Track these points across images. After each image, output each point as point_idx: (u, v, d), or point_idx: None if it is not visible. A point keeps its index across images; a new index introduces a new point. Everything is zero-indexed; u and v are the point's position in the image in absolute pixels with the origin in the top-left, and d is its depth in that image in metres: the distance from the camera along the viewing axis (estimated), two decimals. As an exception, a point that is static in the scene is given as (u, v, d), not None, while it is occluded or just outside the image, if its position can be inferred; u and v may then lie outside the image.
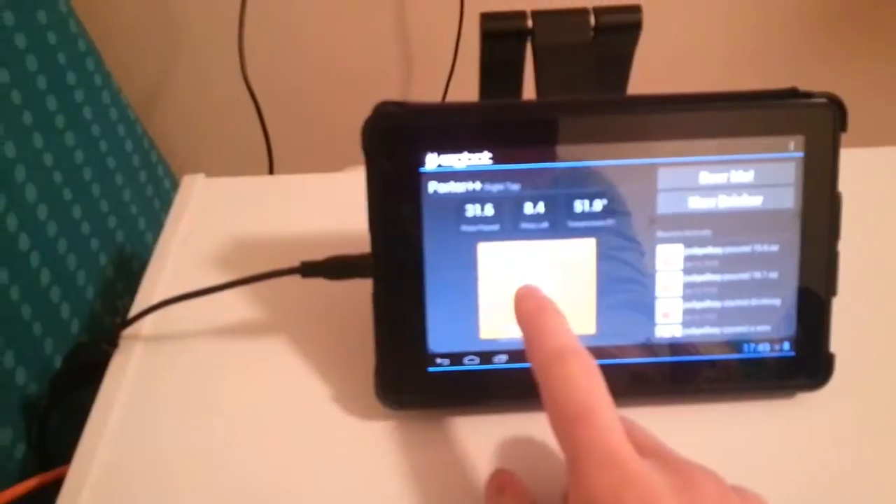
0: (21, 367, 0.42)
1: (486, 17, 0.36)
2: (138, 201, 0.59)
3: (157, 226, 0.59)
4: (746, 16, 0.71)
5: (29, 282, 0.44)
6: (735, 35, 0.72)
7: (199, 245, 0.40)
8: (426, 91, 0.69)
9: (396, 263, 0.29)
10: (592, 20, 0.36)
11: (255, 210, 0.42)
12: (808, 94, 0.29)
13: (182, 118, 0.70)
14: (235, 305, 0.36)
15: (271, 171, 0.63)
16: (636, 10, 0.36)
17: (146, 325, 0.36)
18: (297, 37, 0.67)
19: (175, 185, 0.58)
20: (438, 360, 0.30)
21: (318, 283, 0.31)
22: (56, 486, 0.30)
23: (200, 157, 0.70)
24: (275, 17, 0.65)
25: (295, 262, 0.32)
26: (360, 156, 0.29)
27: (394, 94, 0.34)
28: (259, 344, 0.34)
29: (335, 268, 0.31)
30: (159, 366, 0.34)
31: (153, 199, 0.62)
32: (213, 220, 0.42)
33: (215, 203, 0.43)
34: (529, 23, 0.36)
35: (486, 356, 0.30)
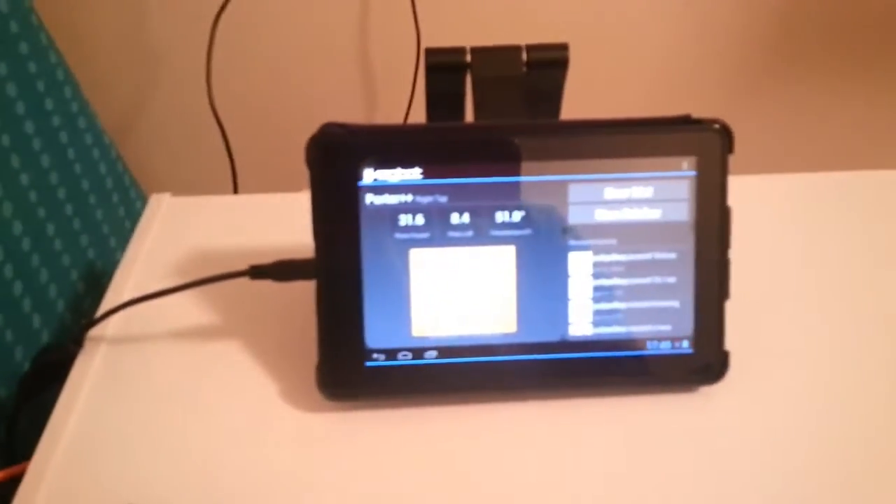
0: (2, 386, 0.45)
1: (430, 53, 0.40)
2: (110, 221, 0.62)
3: (126, 244, 0.62)
4: (673, 47, 0.77)
5: (1, 293, 0.47)
6: (665, 65, 0.78)
7: (163, 257, 0.43)
8: (387, 117, 0.74)
9: (337, 267, 0.33)
10: (524, 56, 0.40)
11: (217, 226, 0.45)
12: (700, 121, 0.34)
13: (154, 143, 0.74)
14: (192, 309, 0.39)
15: (236, 191, 0.67)
16: (564, 48, 0.40)
17: (110, 327, 0.39)
18: (262, 66, 0.71)
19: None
20: (375, 355, 0.34)
21: (268, 286, 0.35)
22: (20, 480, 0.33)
23: (171, 178, 0.74)
24: (241, 48, 0.70)
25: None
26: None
27: (356, 119, 0.37)
28: (213, 344, 0.38)
29: (281, 270, 0.34)
30: (121, 365, 0.37)
31: (124, 219, 0.65)
32: (177, 235, 0.45)
33: (180, 220, 0.46)
34: (468, 57, 0.40)
35: (418, 352, 0.34)
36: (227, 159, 0.64)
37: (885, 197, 0.47)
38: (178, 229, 0.46)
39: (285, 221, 0.45)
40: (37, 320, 0.50)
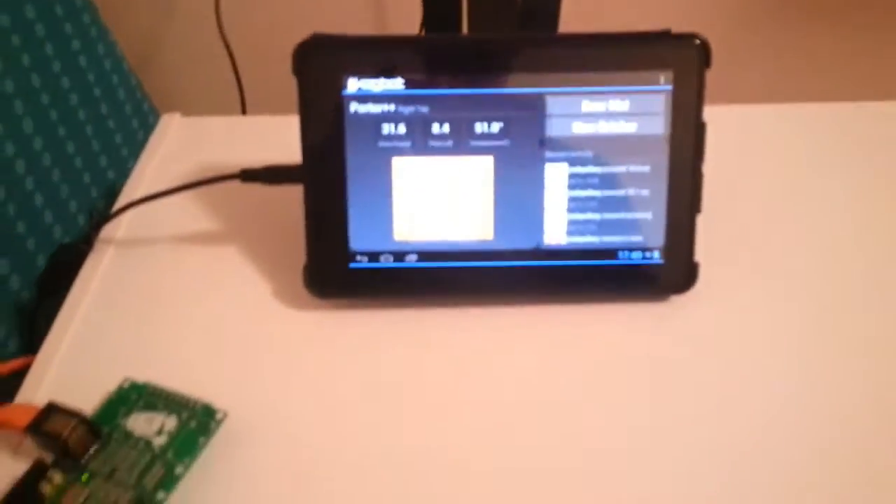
0: (15, 275, 0.48)
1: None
2: (128, 143, 0.64)
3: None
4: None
5: (24, 203, 0.50)
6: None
7: (170, 171, 0.46)
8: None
9: (322, 172, 0.35)
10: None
11: (223, 144, 0.47)
12: (679, 36, 0.34)
13: (168, 69, 0.76)
14: (192, 213, 0.42)
15: (244, 114, 0.69)
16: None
17: (118, 230, 0.41)
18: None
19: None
20: (358, 257, 0.36)
21: (262, 192, 0.37)
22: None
23: (184, 103, 0.77)
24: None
25: (244, 177, 0.37)
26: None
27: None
28: (211, 246, 0.40)
29: (271, 174, 0.36)
30: (127, 263, 0.40)
31: (142, 143, 0.67)
32: (184, 152, 0.47)
33: (188, 138, 0.49)
34: (462, -24, 0.41)
35: (399, 255, 0.36)
36: (235, 84, 0.66)
37: (882, 129, 0.47)
38: (186, 147, 0.48)
39: (288, 141, 0.47)
40: (58, 230, 0.53)
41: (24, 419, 0.29)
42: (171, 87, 0.76)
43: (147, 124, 0.68)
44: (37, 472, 0.28)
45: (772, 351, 0.34)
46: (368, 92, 0.34)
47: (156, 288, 0.38)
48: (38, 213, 0.51)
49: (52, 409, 0.29)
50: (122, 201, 0.44)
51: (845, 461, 0.30)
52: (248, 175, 0.36)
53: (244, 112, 0.67)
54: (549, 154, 0.35)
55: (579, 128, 0.34)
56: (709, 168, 0.35)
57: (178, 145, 0.48)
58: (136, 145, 0.66)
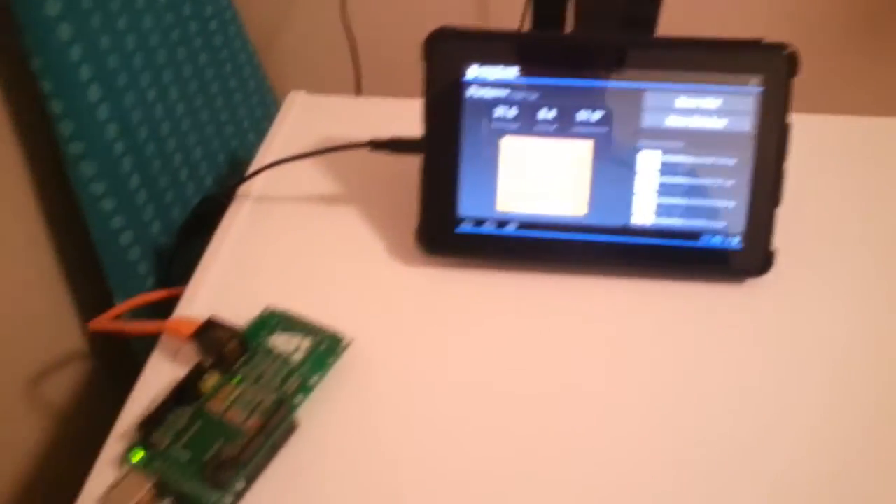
0: (157, 221, 0.55)
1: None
2: (250, 117, 0.71)
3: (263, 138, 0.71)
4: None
5: (166, 160, 0.57)
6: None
7: (297, 140, 0.52)
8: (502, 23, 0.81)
9: (440, 145, 0.40)
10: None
11: (344, 120, 0.53)
12: (771, 45, 0.38)
13: (290, 53, 0.83)
14: (320, 176, 0.48)
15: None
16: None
17: (254, 187, 0.47)
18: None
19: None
20: (464, 223, 0.40)
21: (384, 160, 0.42)
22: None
23: (299, 82, 0.84)
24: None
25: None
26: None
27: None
28: (335, 206, 0.46)
29: (395, 144, 0.41)
30: (262, 215, 0.46)
31: (262, 119, 0.74)
32: (310, 123, 0.53)
33: (313, 112, 0.54)
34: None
35: (501, 223, 0.40)
36: (351, 68, 0.72)
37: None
38: (311, 120, 0.54)
39: (402, 120, 0.52)
40: (190, 188, 0.60)
41: (190, 329, 0.35)
42: (287, 68, 0.83)
43: (265, 101, 0.75)
44: (197, 373, 0.34)
45: (833, 339, 0.38)
46: (485, 79, 0.39)
47: (287, 237, 0.44)
48: (176, 171, 0.58)
49: (212, 323, 0.35)
50: (255, 165, 0.50)
51: (897, 435, 0.33)
52: (376, 144, 0.41)
53: (358, 94, 0.73)
54: (643, 142, 0.39)
55: (673, 121, 0.38)
56: (794, 167, 0.38)
57: (304, 118, 0.54)
58: (255, 119, 0.72)
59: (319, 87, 0.86)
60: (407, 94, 0.53)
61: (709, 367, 0.37)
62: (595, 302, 0.40)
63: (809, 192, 0.45)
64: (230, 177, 0.66)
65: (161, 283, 0.54)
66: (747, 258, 0.39)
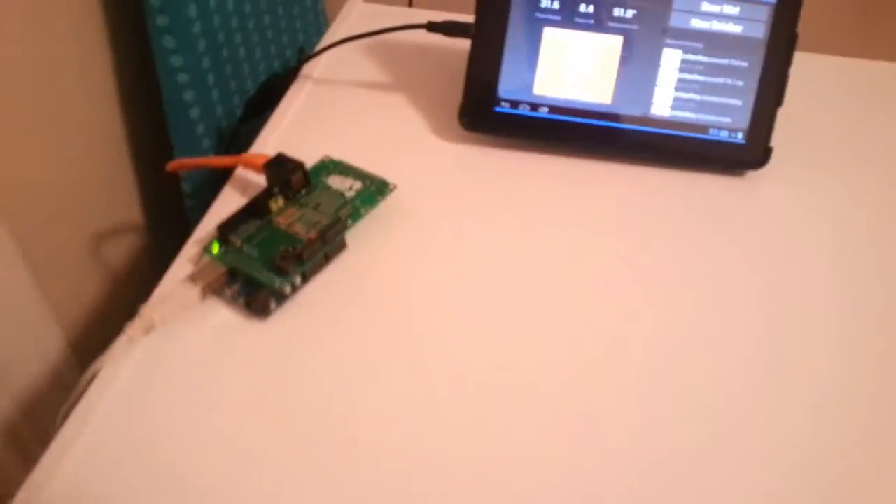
0: (220, 104, 0.61)
1: None
2: (304, 31, 0.77)
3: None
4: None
5: (232, 52, 0.62)
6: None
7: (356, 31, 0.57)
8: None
9: (488, 32, 0.45)
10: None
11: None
12: (789, -38, 0.43)
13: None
14: (378, 58, 0.53)
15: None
16: None
17: (316, 70, 0.53)
18: None
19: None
20: (503, 103, 0.46)
21: (440, 42, 0.48)
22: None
23: None
24: None
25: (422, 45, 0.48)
26: None
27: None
28: (389, 87, 0.51)
29: (449, 27, 0.47)
30: (324, 91, 0.51)
31: (314, 35, 0.79)
32: (366, 27, 0.58)
33: (369, 20, 0.60)
34: None
35: (535, 106, 0.46)
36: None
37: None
38: (368, 26, 0.59)
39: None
40: (249, 83, 0.66)
41: (262, 160, 0.41)
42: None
43: (319, 21, 0.80)
44: (268, 194, 0.40)
45: (822, 224, 0.43)
46: (535, -27, 0.44)
47: (347, 106, 0.50)
48: (240, 63, 0.64)
49: (281, 156, 0.41)
50: (320, 46, 0.55)
51: None
52: (433, 26, 0.47)
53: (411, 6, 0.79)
54: (668, 41, 0.44)
55: (697, 23, 0.44)
56: (800, 83, 0.44)
57: (361, 23, 0.59)
58: (308, 35, 0.78)
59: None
60: (457, 9, 0.59)
61: (711, 246, 0.42)
62: (613, 185, 0.45)
63: (810, 102, 0.50)
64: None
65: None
66: (749, 152, 0.45)
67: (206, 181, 0.61)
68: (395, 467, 0.31)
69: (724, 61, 0.44)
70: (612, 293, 0.39)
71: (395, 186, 0.42)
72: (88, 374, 0.34)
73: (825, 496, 0.31)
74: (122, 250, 0.61)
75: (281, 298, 0.37)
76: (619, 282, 0.39)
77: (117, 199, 0.60)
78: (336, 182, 0.42)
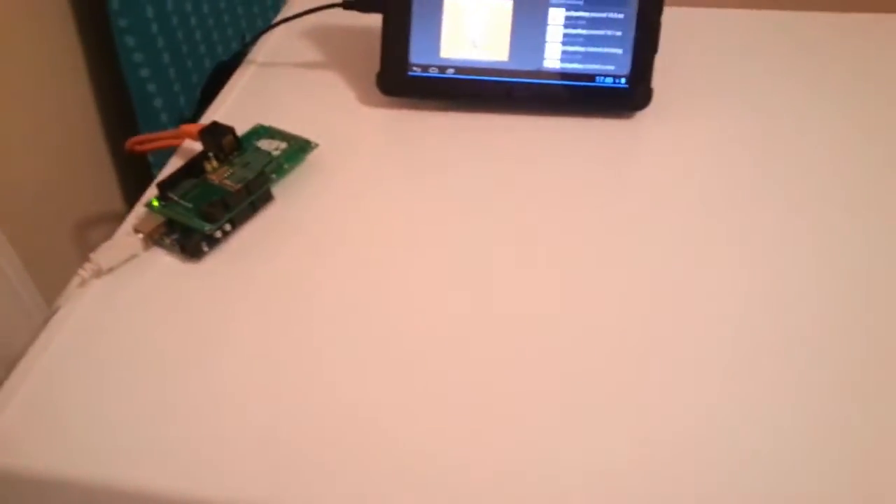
0: (182, 95, 0.68)
1: None
2: (260, 4, 0.83)
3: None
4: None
5: (192, 45, 0.69)
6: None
7: (298, 21, 0.63)
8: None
9: (396, 3, 0.51)
10: None
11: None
12: (653, -79, 0.48)
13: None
14: (307, 37, 0.59)
15: None
16: None
17: (260, 53, 0.59)
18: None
19: None
20: (414, 68, 0.52)
21: (358, 17, 0.54)
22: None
23: None
24: None
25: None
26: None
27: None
28: (315, 65, 0.57)
29: (362, 4, 0.52)
30: (262, 75, 0.57)
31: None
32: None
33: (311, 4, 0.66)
34: None
35: (442, 68, 0.51)
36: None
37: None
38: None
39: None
40: (207, 66, 0.72)
41: (198, 128, 0.47)
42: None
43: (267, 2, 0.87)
44: (202, 157, 0.46)
45: (701, 156, 0.48)
46: (432, -50, 0.50)
47: (283, 83, 0.56)
48: (200, 57, 0.71)
49: (214, 124, 0.47)
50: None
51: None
52: (348, 4, 0.53)
53: None
54: (552, 0, 0.49)
55: (575, -17, 0.49)
56: (674, 30, 0.49)
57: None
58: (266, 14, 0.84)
59: None
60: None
61: (608, 178, 0.47)
62: (515, 133, 0.51)
63: (686, 46, 0.56)
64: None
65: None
66: (633, 96, 0.50)
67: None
68: (310, 398, 0.37)
69: (603, 15, 0.49)
70: (521, 234, 0.44)
71: (317, 144, 0.48)
72: (50, 312, 0.40)
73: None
74: (100, 231, 0.68)
75: (212, 242, 0.43)
76: (526, 223, 0.45)
77: (95, 183, 0.67)
78: (265, 144, 0.48)
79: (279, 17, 0.63)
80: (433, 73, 0.52)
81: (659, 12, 0.49)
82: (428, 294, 0.40)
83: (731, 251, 0.42)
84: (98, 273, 0.41)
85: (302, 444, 0.34)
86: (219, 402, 0.36)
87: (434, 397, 0.35)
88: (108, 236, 0.44)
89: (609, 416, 0.34)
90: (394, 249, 0.43)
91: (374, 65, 0.54)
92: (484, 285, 0.41)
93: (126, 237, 0.43)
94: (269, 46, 0.60)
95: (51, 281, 0.61)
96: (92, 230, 0.67)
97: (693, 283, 0.40)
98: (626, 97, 0.50)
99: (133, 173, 0.71)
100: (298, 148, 0.48)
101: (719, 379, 0.36)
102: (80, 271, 0.41)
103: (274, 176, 0.46)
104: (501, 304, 0.39)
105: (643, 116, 0.51)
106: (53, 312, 0.40)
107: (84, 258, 0.41)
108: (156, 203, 0.44)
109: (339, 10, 0.53)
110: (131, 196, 0.71)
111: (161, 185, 0.44)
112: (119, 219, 0.73)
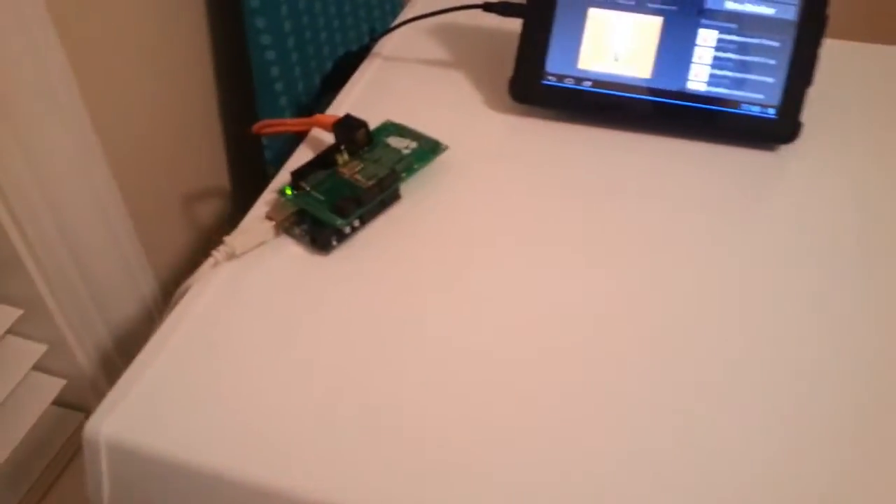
0: (301, 80, 0.68)
1: None
2: (379, 8, 0.83)
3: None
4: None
5: (315, 37, 0.69)
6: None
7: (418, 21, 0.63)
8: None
9: (538, 11, 0.50)
10: None
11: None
12: (823, -53, 0.45)
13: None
14: (440, 35, 0.59)
15: None
16: None
17: (386, 47, 0.59)
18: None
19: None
20: (549, 77, 0.50)
21: (494, 20, 0.53)
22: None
23: None
24: None
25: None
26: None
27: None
28: (447, 64, 0.57)
29: (503, 8, 0.51)
30: (390, 69, 0.57)
31: (390, 14, 0.86)
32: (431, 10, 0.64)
33: (436, 2, 0.65)
34: None
35: (579, 80, 0.50)
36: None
37: None
38: (436, 7, 0.65)
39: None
40: (328, 62, 0.72)
41: (332, 119, 0.47)
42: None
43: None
44: (334, 149, 0.46)
45: (848, 196, 0.46)
46: (583, -41, 0.49)
47: (410, 79, 0.55)
48: (320, 45, 0.71)
49: (348, 117, 0.47)
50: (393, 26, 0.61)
51: None
52: (488, 6, 0.52)
53: None
54: (704, 21, 0.47)
55: (731, 5, 0.47)
56: (832, 63, 0.46)
57: (429, 5, 0.65)
58: (384, 9, 0.84)
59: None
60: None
61: (742, 214, 0.45)
62: (649, 155, 0.49)
63: (842, 83, 0.53)
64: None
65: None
66: (780, 127, 0.48)
67: (285, 150, 0.68)
68: (428, 389, 0.36)
69: (757, 41, 0.47)
70: (647, 258, 0.43)
71: (447, 147, 0.47)
72: (182, 290, 0.40)
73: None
74: (207, 209, 0.69)
75: (341, 237, 0.43)
76: (653, 247, 0.43)
77: (207, 162, 0.68)
78: (395, 142, 0.47)
79: (409, 15, 0.62)
80: (568, 83, 0.50)
81: (817, 44, 0.46)
82: (547, 302, 0.39)
83: (853, 318, 0.39)
84: (230, 256, 0.41)
85: (426, 446, 0.33)
86: (333, 398, 0.35)
87: (578, 403, 0.34)
88: (214, 213, 0.44)
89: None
90: (516, 258, 0.42)
91: (504, 69, 0.53)
92: (605, 301, 0.39)
93: (259, 223, 0.43)
94: (393, 43, 0.60)
95: (160, 256, 0.63)
96: (200, 206, 0.68)
97: (811, 340, 0.38)
98: (772, 128, 0.48)
99: (243, 155, 0.72)
100: (429, 149, 0.47)
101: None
102: (214, 253, 0.41)
103: (404, 174, 0.45)
104: (617, 326, 0.38)
105: (785, 150, 0.48)
106: (185, 291, 0.40)
107: (191, 233, 0.41)
108: (289, 191, 0.44)
109: (465, 10, 0.52)
110: (239, 176, 0.71)
111: (295, 175, 0.44)
112: (226, 197, 0.74)
